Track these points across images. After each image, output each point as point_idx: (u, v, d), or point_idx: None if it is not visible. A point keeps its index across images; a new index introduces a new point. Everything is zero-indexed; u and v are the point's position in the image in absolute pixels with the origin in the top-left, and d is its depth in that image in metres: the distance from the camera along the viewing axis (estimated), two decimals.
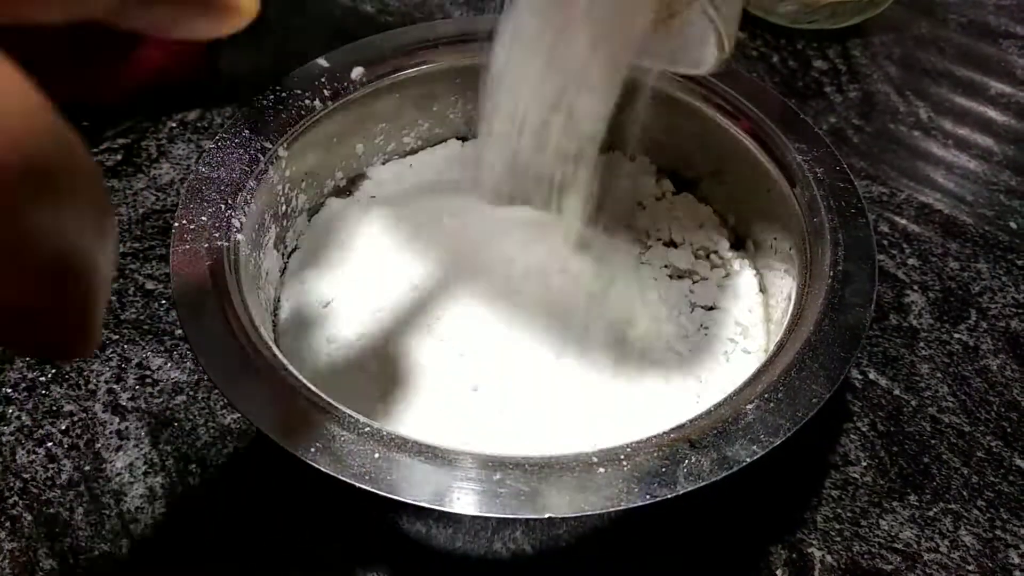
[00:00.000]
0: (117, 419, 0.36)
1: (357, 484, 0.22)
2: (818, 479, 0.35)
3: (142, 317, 0.40)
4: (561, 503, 0.22)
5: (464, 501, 0.23)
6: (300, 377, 0.26)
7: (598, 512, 0.22)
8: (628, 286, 0.36)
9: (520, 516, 0.22)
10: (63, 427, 0.36)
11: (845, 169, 0.33)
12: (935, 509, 0.34)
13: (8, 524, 0.33)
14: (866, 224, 0.31)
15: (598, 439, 0.29)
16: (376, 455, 0.23)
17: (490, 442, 0.29)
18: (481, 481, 0.23)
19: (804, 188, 0.33)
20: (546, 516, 0.22)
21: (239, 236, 0.31)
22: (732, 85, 0.38)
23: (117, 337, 0.39)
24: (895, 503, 0.35)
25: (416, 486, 0.23)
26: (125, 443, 0.35)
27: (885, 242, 0.45)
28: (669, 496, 0.23)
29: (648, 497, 0.22)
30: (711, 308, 0.37)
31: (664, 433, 0.25)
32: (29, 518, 0.33)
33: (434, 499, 0.22)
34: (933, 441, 0.37)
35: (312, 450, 0.23)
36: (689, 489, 0.23)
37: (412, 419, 0.30)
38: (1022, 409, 0.38)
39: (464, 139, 0.44)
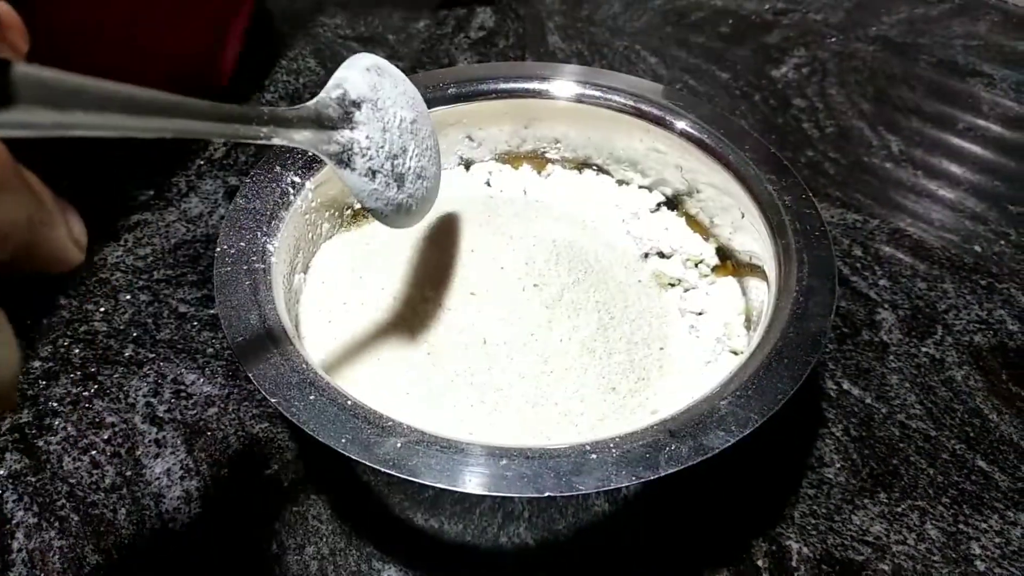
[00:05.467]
0: (155, 429, 0.39)
1: (383, 469, 0.26)
2: (795, 479, 0.38)
3: (176, 337, 0.43)
4: (558, 484, 0.26)
5: (475, 482, 0.26)
6: (332, 383, 0.30)
7: (591, 491, 0.25)
8: (624, 292, 0.39)
9: (523, 495, 0.25)
10: (105, 436, 0.39)
11: (810, 197, 0.37)
12: (903, 506, 0.38)
13: (57, 524, 0.36)
14: (828, 245, 0.34)
15: (593, 433, 0.33)
16: (398, 445, 0.27)
17: (495, 437, 0.33)
18: (489, 466, 0.26)
19: (773, 214, 0.37)
20: (546, 495, 0.25)
21: (273, 259, 0.34)
22: (712, 123, 0.42)
23: (153, 355, 0.43)
24: (866, 500, 0.38)
25: (434, 471, 0.26)
26: (163, 451, 0.39)
27: (858, 264, 0.49)
28: (652, 477, 0.26)
29: (634, 478, 0.26)
30: (700, 313, 0.41)
31: (648, 426, 0.28)
32: (76, 519, 0.36)
33: (449, 481, 0.26)
34: (901, 445, 0.40)
35: (343, 441, 0.27)
36: (670, 471, 0.26)
37: (424, 421, 0.33)
38: (984, 415, 0.41)
39: (467, 166, 0.48)
